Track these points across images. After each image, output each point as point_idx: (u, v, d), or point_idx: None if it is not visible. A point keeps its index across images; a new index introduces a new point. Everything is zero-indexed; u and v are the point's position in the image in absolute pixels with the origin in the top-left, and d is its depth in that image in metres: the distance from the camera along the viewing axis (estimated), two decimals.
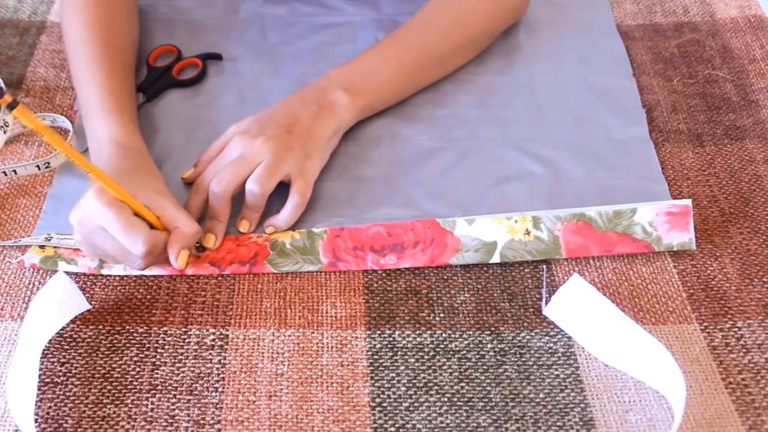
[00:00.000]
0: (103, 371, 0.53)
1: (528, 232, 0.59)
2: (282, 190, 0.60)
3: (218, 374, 0.53)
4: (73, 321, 0.55)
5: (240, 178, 0.58)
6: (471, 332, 0.55)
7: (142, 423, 0.50)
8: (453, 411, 0.51)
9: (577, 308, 0.54)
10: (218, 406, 0.51)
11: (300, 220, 0.61)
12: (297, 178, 0.60)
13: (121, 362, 0.53)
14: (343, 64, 0.67)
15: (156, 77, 0.72)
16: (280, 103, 0.65)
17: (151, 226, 0.54)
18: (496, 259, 0.58)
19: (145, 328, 0.55)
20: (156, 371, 0.53)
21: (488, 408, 0.51)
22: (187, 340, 0.54)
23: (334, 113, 0.64)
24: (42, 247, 0.58)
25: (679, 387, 0.49)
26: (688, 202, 0.59)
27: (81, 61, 0.66)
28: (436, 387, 0.52)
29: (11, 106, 0.46)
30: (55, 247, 0.58)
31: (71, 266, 0.58)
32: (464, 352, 0.54)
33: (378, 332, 0.55)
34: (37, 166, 0.64)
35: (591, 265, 0.59)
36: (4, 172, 0.63)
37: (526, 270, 0.59)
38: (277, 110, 0.63)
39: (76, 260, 0.58)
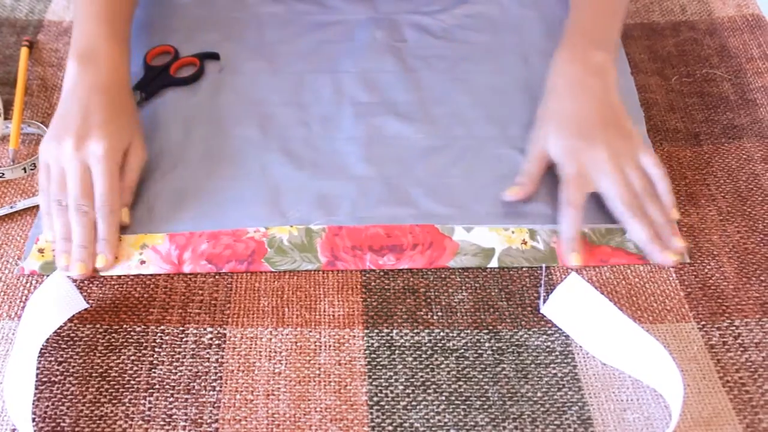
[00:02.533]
0: (100, 370, 0.53)
1: (525, 242, 0.59)
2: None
3: (216, 373, 0.52)
4: (70, 320, 0.55)
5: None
6: (469, 331, 0.55)
7: (140, 422, 0.50)
8: (451, 410, 0.51)
9: (575, 307, 0.54)
10: (216, 405, 0.51)
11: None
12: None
13: (118, 361, 0.53)
14: (567, 27, 0.68)
15: (154, 76, 0.72)
16: (571, 100, 0.64)
17: None
18: (494, 263, 0.58)
19: (143, 327, 0.55)
20: (153, 370, 0.53)
21: (486, 407, 0.51)
22: (184, 339, 0.54)
23: (611, 75, 0.65)
24: (41, 251, 0.58)
25: (677, 385, 0.49)
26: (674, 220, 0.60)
27: None
28: (433, 386, 0.52)
29: None
30: (54, 253, 0.58)
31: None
32: (462, 350, 0.54)
33: (376, 331, 0.55)
34: (24, 168, 0.64)
35: (589, 266, 0.59)
36: None
37: (524, 269, 0.59)
38: (582, 112, 0.63)
39: None
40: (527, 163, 0.63)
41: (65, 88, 0.62)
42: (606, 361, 0.53)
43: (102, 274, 0.58)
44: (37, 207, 0.61)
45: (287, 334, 0.55)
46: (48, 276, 0.55)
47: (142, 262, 0.58)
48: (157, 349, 0.54)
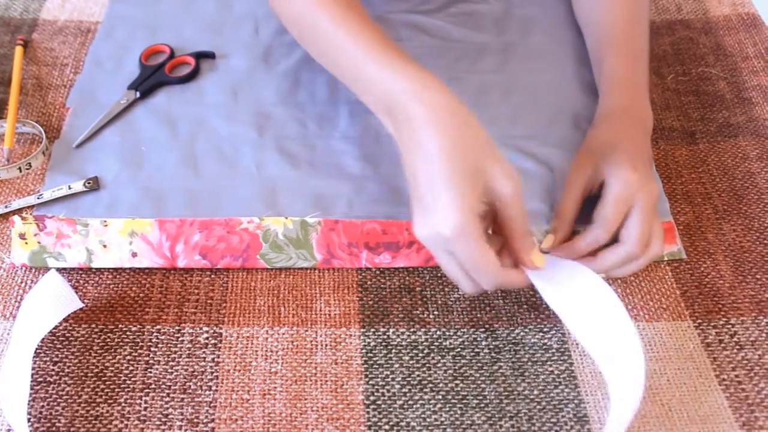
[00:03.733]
0: (96, 370, 0.52)
1: None
2: None
3: (212, 373, 0.52)
4: (65, 319, 0.55)
5: None
6: (465, 330, 0.55)
7: (136, 422, 0.50)
8: (447, 408, 0.51)
9: (560, 279, 0.52)
10: (212, 404, 0.51)
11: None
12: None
13: (114, 361, 0.53)
14: (611, 73, 0.65)
15: (149, 75, 0.72)
16: (628, 137, 0.59)
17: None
18: None
19: (139, 326, 0.55)
20: (149, 370, 0.52)
21: (483, 405, 0.51)
22: (180, 339, 0.54)
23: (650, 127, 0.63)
24: (22, 237, 0.58)
25: (639, 374, 0.48)
26: (669, 218, 0.61)
27: (325, 25, 0.58)
28: (430, 385, 0.52)
29: None
30: (38, 239, 0.58)
31: (60, 262, 0.57)
32: (459, 349, 0.54)
33: (372, 330, 0.55)
34: (19, 168, 0.64)
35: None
36: None
37: None
38: (638, 150, 0.59)
39: (63, 254, 0.57)
40: (566, 200, 0.58)
41: (426, 120, 0.50)
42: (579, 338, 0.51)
43: (94, 266, 0.57)
44: (32, 207, 0.61)
45: (283, 334, 0.55)
46: (42, 275, 0.54)
47: (134, 255, 0.58)
48: (153, 349, 0.54)
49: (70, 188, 0.62)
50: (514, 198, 0.50)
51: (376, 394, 0.52)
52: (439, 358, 0.53)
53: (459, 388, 0.52)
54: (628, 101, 0.63)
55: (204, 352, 0.53)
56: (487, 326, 0.55)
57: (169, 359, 0.53)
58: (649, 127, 0.62)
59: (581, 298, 0.51)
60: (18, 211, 0.61)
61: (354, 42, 0.57)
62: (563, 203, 0.58)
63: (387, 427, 0.50)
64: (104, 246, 0.58)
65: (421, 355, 0.54)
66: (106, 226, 0.59)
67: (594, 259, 0.55)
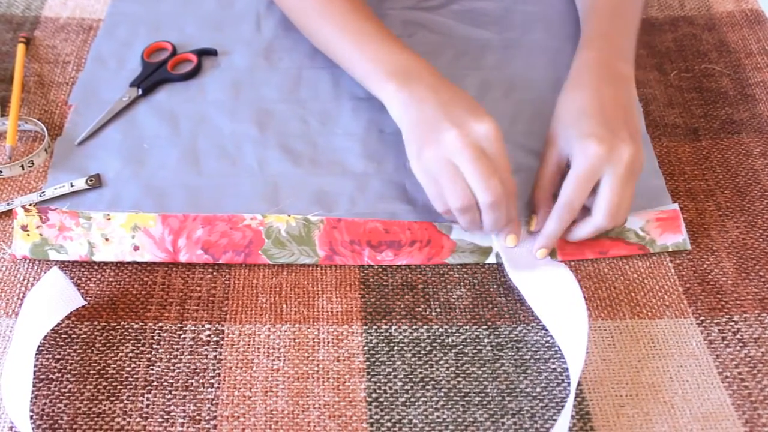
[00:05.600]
0: (98, 367, 0.52)
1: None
2: None
3: (214, 370, 0.52)
4: (67, 317, 0.55)
5: None
6: (467, 327, 0.55)
7: (138, 419, 0.50)
8: (450, 406, 0.51)
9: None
10: (214, 401, 0.51)
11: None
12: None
13: (116, 358, 0.53)
14: (589, 32, 0.65)
15: (151, 72, 0.71)
16: (598, 96, 0.59)
17: None
18: (491, 260, 0.58)
19: (141, 323, 0.55)
20: (151, 367, 0.52)
21: (485, 403, 0.51)
22: (182, 336, 0.54)
23: (633, 88, 0.63)
24: (24, 228, 0.58)
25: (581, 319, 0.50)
26: (675, 206, 0.60)
27: (336, 13, 0.65)
28: (432, 382, 0.52)
29: None
30: (40, 232, 0.58)
31: (62, 254, 0.57)
32: (461, 347, 0.54)
33: (374, 327, 0.55)
34: (21, 166, 0.64)
35: (587, 261, 0.59)
36: None
37: None
38: (609, 109, 0.58)
39: (65, 247, 0.57)
40: (541, 178, 0.59)
41: (392, 104, 0.60)
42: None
43: (96, 259, 0.57)
44: (33, 205, 0.61)
45: (285, 331, 0.55)
46: (45, 272, 0.55)
47: (136, 248, 0.58)
48: (155, 346, 0.54)
49: (72, 185, 0.62)
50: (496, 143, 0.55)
51: (378, 391, 0.52)
52: (442, 355, 0.53)
53: (461, 386, 0.52)
54: (601, 55, 0.62)
55: (206, 349, 0.53)
56: (489, 323, 0.55)
57: (171, 356, 0.53)
58: (628, 81, 0.61)
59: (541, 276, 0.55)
60: None
61: (370, 31, 0.64)
62: (537, 181, 0.59)
63: (389, 424, 0.50)
64: (106, 239, 0.58)
65: (423, 352, 0.54)
66: (109, 219, 0.59)
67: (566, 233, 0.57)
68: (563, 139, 0.58)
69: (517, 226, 0.58)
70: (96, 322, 0.55)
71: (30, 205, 0.60)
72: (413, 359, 0.53)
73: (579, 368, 0.50)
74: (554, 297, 0.54)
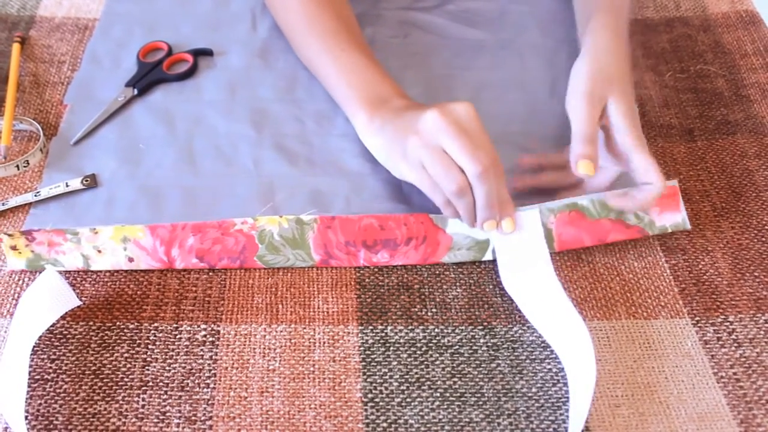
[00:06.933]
0: (93, 368, 0.52)
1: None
2: None
3: (210, 370, 0.52)
4: (63, 317, 0.54)
5: None
6: (463, 327, 0.55)
7: (133, 420, 0.50)
8: (445, 406, 0.51)
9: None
10: (210, 402, 0.51)
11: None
12: None
13: (111, 359, 0.53)
14: (591, 54, 0.64)
15: (147, 72, 0.71)
16: (617, 59, 0.61)
17: None
18: (488, 256, 0.58)
19: (136, 324, 0.55)
20: (147, 367, 0.52)
21: (481, 403, 0.51)
22: (178, 336, 0.54)
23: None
24: (14, 248, 0.57)
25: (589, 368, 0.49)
26: (674, 183, 0.59)
27: (321, 34, 0.66)
28: (428, 382, 0.52)
29: None
30: (30, 249, 0.57)
31: (58, 267, 0.57)
32: (457, 347, 0.54)
33: (370, 327, 0.55)
34: (17, 165, 0.63)
35: (583, 260, 0.59)
36: None
37: None
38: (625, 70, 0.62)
39: (59, 260, 0.57)
40: (586, 124, 0.58)
41: (363, 134, 0.62)
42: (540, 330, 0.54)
43: (93, 268, 0.57)
44: (29, 204, 0.61)
45: (281, 331, 0.54)
46: (39, 273, 0.54)
47: (131, 260, 0.57)
48: (150, 347, 0.53)
49: (67, 186, 0.62)
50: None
51: (374, 391, 0.51)
52: (437, 355, 0.53)
53: (457, 386, 0.52)
54: (619, 25, 0.64)
55: (202, 349, 0.53)
56: (485, 324, 0.55)
57: (167, 357, 0.53)
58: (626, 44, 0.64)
59: (535, 288, 0.55)
60: (15, 209, 0.61)
61: (351, 55, 0.65)
62: (587, 127, 0.58)
63: (385, 424, 0.50)
64: (99, 251, 0.57)
65: (419, 352, 0.54)
66: (96, 233, 0.57)
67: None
68: (602, 92, 0.59)
69: (511, 208, 0.57)
70: (91, 323, 0.55)
71: (13, 230, 0.58)
72: (409, 359, 0.53)
73: (591, 383, 0.49)
74: (547, 303, 0.54)
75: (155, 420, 0.50)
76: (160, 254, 0.57)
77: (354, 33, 0.67)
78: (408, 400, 0.51)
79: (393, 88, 0.62)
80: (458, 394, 0.51)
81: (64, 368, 0.52)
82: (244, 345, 0.54)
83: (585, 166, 0.57)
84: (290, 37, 0.71)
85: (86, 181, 0.62)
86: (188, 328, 0.55)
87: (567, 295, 0.53)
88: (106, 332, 0.54)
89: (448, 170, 0.54)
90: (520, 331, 0.55)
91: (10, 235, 0.57)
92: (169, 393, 0.51)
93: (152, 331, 0.54)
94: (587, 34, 0.64)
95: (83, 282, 0.57)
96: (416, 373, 0.52)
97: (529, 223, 0.58)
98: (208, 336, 0.54)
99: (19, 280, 0.57)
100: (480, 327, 0.55)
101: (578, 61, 0.61)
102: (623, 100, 0.58)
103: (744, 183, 0.64)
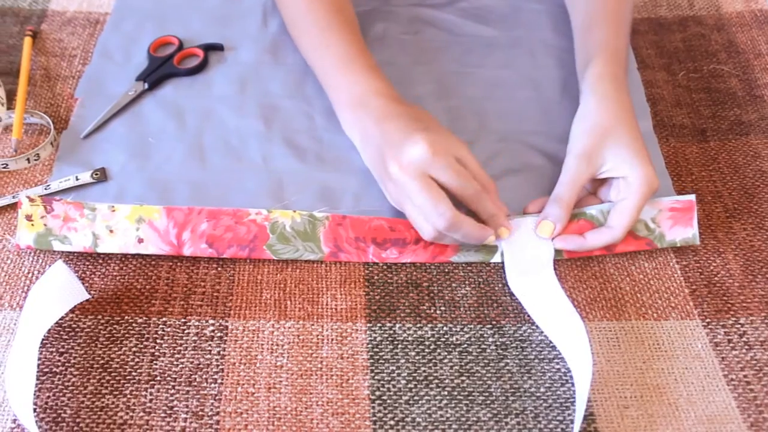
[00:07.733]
0: (102, 361, 0.52)
1: None
2: None
3: (217, 365, 0.52)
4: (72, 311, 0.55)
5: None
6: (472, 326, 0.55)
7: (141, 413, 0.50)
8: (453, 405, 0.51)
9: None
10: (217, 397, 0.51)
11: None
12: None
13: (120, 352, 0.53)
14: (599, 43, 0.65)
15: (157, 66, 0.71)
16: (615, 115, 0.59)
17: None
18: (497, 258, 0.58)
19: (145, 318, 0.55)
20: (155, 362, 0.52)
21: (488, 402, 0.51)
22: (186, 331, 0.54)
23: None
24: (29, 218, 0.57)
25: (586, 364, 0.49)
26: (692, 197, 0.58)
27: (314, 29, 0.67)
28: (436, 381, 0.52)
29: None
30: (44, 222, 0.58)
31: (65, 245, 0.57)
32: (465, 345, 0.54)
33: (378, 325, 0.55)
34: (27, 159, 0.64)
35: (593, 260, 0.59)
36: None
37: None
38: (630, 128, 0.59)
39: (69, 237, 0.57)
40: (570, 188, 0.57)
41: (351, 136, 0.63)
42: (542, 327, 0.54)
43: (100, 251, 0.57)
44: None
45: (289, 327, 0.54)
46: (49, 265, 0.54)
47: (140, 240, 0.57)
48: (158, 341, 0.54)
49: (77, 179, 0.62)
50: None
51: (381, 389, 0.51)
52: (446, 354, 0.53)
53: (465, 385, 0.52)
54: (618, 69, 0.63)
55: (210, 344, 0.53)
56: (494, 323, 0.55)
57: (175, 351, 0.53)
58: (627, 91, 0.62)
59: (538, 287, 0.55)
60: None
61: (338, 50, 0.65)
62: (565, 191, 0.58)
63: (392, 422, 0.50)
64: (111, 231, 0.58)
65: (427, 350, 0.53)
66: (113, 211, 0.58)
67: (579, 238, 0.57)
68: (600, 155, 0.58)
69: (501, 218, 0.57)
70: (100, 316, 0.55)
71: (35, 195, 0.59)
72: (417, 357, 0.53)
73: (587, 381, 0.49)
74: (553, 306, 0.54)
75: (162, 414, 0.50)
76: (171, 237, 0.57)
77: (345, 29, 0.67)
78: (415, 398, 0.51)
79: (372, 87, 0.62)
80: (466, 393, 0.51)
81: (72, 361, 0.52)
82: (252, 341, 0.54)
83: (543, 228, 0.57)
84: (293, 34, 0.71)
85: (96, 174, 0.62)
86: (196, 323, 0.55)
87: (569, 298, 0.53)
88: (115, 326, 0.54)
89: (436, 205, 0.54)
90: (528, 331, 0.54)
91: (32, 200, 0.57)
92: (176, 388, 0.51)
93: (160, 326, 0.54)
94: (585, 83, 0.62)
95: (92, 276, 0.57)
96: (424, 371, 0.52)
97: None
98: (216, 331, 0.54)
99: (28, 272, 0.57)
100: (489, 326, 0.55)
101: (577, 117, 0.61)
102: (623, 165, 0.57)
103: (757, 184, 0.64)
